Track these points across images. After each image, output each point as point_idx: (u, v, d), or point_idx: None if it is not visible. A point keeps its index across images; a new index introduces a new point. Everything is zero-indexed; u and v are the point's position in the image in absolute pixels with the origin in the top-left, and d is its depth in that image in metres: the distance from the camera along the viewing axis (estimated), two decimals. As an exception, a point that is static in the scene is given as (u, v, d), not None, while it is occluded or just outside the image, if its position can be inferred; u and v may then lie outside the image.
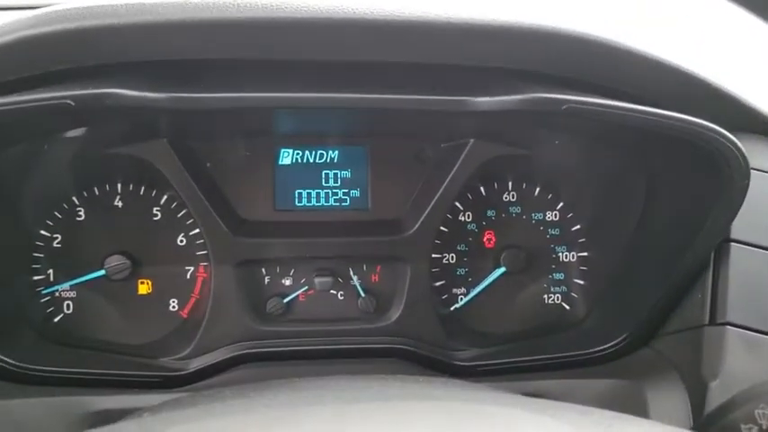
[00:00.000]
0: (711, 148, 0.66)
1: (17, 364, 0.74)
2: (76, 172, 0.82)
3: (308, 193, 0.86)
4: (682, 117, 0.65)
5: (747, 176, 0.66)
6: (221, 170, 0.83)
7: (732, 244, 0.72)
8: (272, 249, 0.83)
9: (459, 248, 0.89)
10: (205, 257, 0.85)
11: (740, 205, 0.68)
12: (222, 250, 0.81)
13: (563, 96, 0.65)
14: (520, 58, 0.69)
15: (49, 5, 0.66)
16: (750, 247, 0.72)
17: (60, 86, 0.65)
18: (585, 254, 0.90)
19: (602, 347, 0.80)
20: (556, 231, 0.90)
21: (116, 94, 0.63)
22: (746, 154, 0.66)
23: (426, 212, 0.82)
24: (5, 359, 0.74)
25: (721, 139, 0.65)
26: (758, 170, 0.71)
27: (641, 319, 0.78)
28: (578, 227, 0.89)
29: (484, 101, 0.67)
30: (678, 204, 0.75)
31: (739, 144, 0.65)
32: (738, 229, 0.72)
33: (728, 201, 0.69)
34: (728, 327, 0.69)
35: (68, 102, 0.61)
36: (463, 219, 0.89)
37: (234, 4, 0.64)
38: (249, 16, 0.64)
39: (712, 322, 0.71)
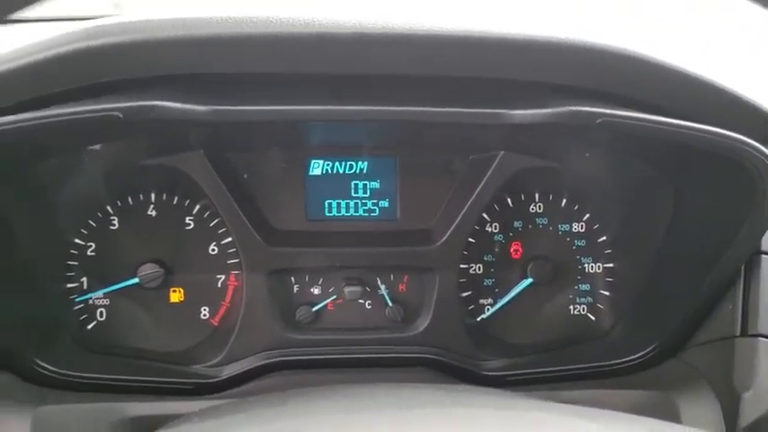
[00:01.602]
0: (744, 162, 0.67)
1: (54, 369, 0.76)
2: (111, 182, 0.84)
3: (338, 204, 0.87)
4: (715, 130, 0.66)
5: None
6: (254, 181, 0.85)
7: (763, 256, 0.73)
8: (302, 258, 0.84)
9: (486, 259, 0.90)
10: (236, 266, 0.86)
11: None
12: (255, 259, 0.82)
13: (598, 110, 0.66)
14: (552, 71, 0.70)
15: (97, 17, 0.68)
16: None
17: (104, 99, 0.67)
18: (611, 265, 0.90)
19: (629, 358, 0.81)
20: (582, 243, 0.90)
21: (162, 107, 0.64)
22: None
23: (455, 224, 0.83)
24: (43, 365, 0.75)
25: (755, 153, 0.66)
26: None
27: (669, 331, 0.79)
28: (604, 238, 0.90)
29: (518, 113, 0.69)
30: (708, 217, 0.76)
31: (764, 150, 0.66)
32: (768, 241, 0.73)
33: (760, 214, 0.69)
34: (761, 338, 0.70)
35: (117, 114, 0.62)
36: (490, 230, 0.90)
37: (276, 20, 0.66)
38: (290, 31, 0.66)
39: (744, 334, 0.71)
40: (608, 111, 0.66)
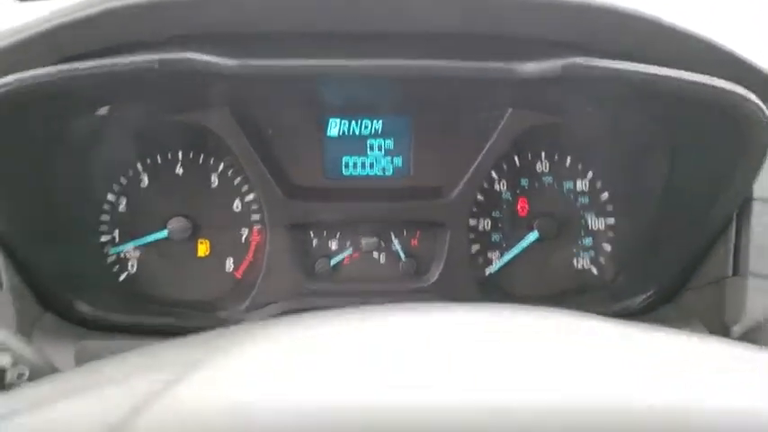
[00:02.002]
0: (735, 110, 0.71)
1: (91, 312, 0.82)
2: (141, 140, 0.89)
3: (354, 162, 0.92)
4: (708, 79, 0.71)
5: (765, 133, 0.72)
6: (276, 139, 0.90)
7: (754, 202, 0.77)
8: (321, 213, 0.90)
9: (494, 215, 0.95)
10: (259, 222, 0.91)
11: (762, 164, 0.74)
12: (277, 213, 0.88)
13: (602, 61, 0.71)
14: (561, 29, 0.75)
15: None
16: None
17: (137, 55, 0.72)
18: (613, 220, 0.95)
19: (628, 303, 0.86)
20: (585, 200, 0.95)
21: (193, 59, 0.70)
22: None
23: (465, 180, 0.89)
24: (82, 307, 0.81)
25: (745, 101, 0.71)
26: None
27: (666, 277, 0.84)
28: (607, 195, 0.95)
29: (527, 66, 0.74)
30: (702, 169, 0.81)
31: (762, 105, 0.71)
32: (760, 188, 0.78)
33: (751, 160, 0.74)
34: (750, 276, 0.75)
35: (154, 64, 0.68)
36: (498, 188, 0.95)
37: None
38: None
39: (735, 273, 0.76)
40: (611, 62, 0.71)
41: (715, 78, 0.71)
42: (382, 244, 0.93)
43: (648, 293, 0.85)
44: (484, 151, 0.87)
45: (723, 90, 0.71)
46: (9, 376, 0.47)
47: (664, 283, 0.84)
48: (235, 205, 0.92)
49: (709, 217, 0.79)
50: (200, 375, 0.35)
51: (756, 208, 0.77)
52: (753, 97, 0.71)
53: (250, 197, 0.91)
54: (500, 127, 0.86)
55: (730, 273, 0.77)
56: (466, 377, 0.34)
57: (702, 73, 0.73)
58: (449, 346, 0.37)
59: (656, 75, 0.71)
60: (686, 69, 0.74)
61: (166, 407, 0.34)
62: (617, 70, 0.72)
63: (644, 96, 0.79)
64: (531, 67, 0.74)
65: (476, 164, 0.88)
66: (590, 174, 0.95)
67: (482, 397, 0.33)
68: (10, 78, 0.69)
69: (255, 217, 0.92)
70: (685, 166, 0.83)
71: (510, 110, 0.86)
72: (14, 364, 0.48)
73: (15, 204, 0.77)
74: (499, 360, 0.36)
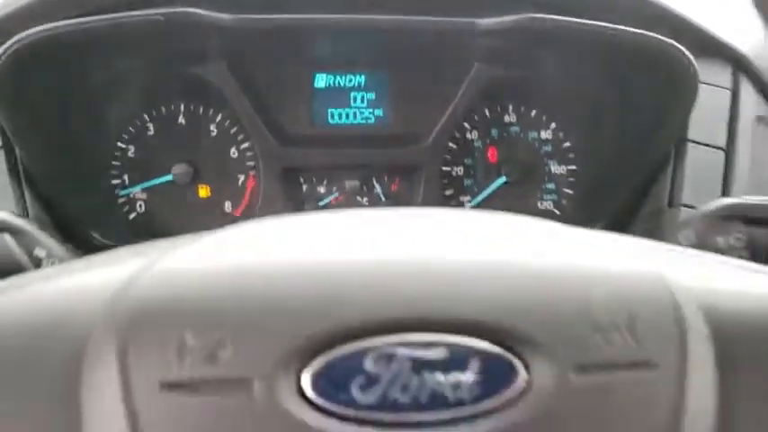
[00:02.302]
0: (668, 63, 0.82)
1: (108, 242, 0.92)
2: (147, 93, 1.00)
3: (339, 112, 1.03)
4: (643, 32, 0.81)
5: (696, 83, 0.82)
6: (269, 91, 1.00)
7: (689, 143, 0.88)
8: (309, 158, 1.00)
9: (466, 162, 1.06)
10: (253, 167, 1.02)
11: (692, 105, 0.84)
12: (270, 159, 0.98)
13: (551, 16, 0.82)
14: None
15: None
16: (701, 145, 0.88)
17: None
18: (574, 167, 1.06)
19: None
20: (549, 148, 1.06)
21: (195, 13, 0.80)
22: (698, 67, 0.83)
23: (437, 128, 0.99)
24: (98, 238, 0.92)
25: (677, 54, 0.81)
26: (707, 84, 0.88)
27: (615, 212, 0.95)
28: (568, 144, 1.05)
29: (485, 21, 0.84)
30: (644, 115, 0.91)
31: (691, 58, 0.81)
32: (693, 131, 0.88)
33: (683, 107, 0.85)
34: (683, 207, 0.85)
35: (159, 17, 0.78)
36: (470, 137, 1.05)
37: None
38: None
39: (670, 206, 0.87)
40: (558, 18, 0.82)
41: (650, 33, 0.82)
42: (365, 188, 1.04)
43: (599, 225, 0.96)
44: (454, 102, 0.98)
45: (657, 43, 0.81)
46: (44, 265, 0.58)
47: (613, 216, 0.95)
48: (232, 152, 1.02)
49: (651, 157, 0.90)
50: (187, 248, 0.43)
51: (690, 148, 0.87)
52: (683, 50, 0.81)
53: (245, 145, 1.02)
54: (467, 80, 0.96)
55: (666, 205, 0.87)
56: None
57: (642, 28, 0.83)
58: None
59: (597, 29, 0.82)
60: (628, 25, 0.84)
61: (160, 271, 0.39)
62: (564, 25, 0.82)
63: (592, 51, 0.89)
64: (488, 22, 0.84)
65: (446, 114, 0.98)
66: (553, 124, 1.06)
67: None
68: (32, 30, 0.79)
69: (250, 163, 1.02)
70: (631, 115, 0.94)
71: (476, 64, 0.96)
72: (49, 256, 0.58)
73: (38, 147, 0.88)
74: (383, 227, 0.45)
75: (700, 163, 0.87)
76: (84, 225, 0.92)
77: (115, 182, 1.01)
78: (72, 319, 0.38)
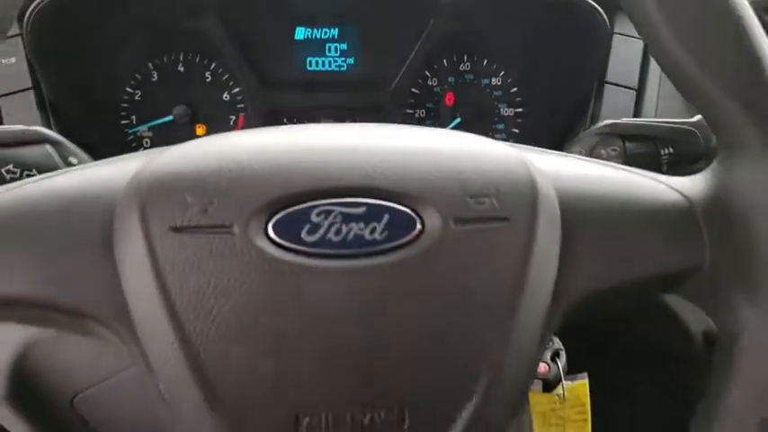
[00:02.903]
0: (588, 17, 0.98)
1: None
2: (152, 45, 1.16)
3: (317, 60, 1.19)
4: None
5: (608, 34, 0.99)
6: (256, 42, 1.16)
7: (606, 84, 1.05)
8: (290, 100, 1.16)
9: (427, 105, 1.22)
10: (243, 109, 1.18)
11: (607, 53, 1.01)
12: (256, 101, 1.15)
13: None
14: None
15: None
16: (617, 86, 1.05)
17: None
18: (520, 109, 1.22)
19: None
20: (499, 93, 1.22)
21: None
22: (615, 21, 0.99)
23: (400, 75, 1.16)
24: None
25: (593, 11, 0.98)
26: (622, 34, 1.05)
27: (549, 143, 1.11)
28: (515, 89, 1.22)
29: None
30: (571, 62, 1.08)
31: (602, 13, 0.98)
32: (611, 75, 1.05)
33: (599, 52, 1.02)
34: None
35: None
36: (430, 83, 1.22)
37: None
38: None
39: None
40: None
41: None
42: (340, 127, 1.20)
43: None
44: (413, 53, 1.14)
45: (578, 2, 0.98)
46: (79, 173, 0.75)
47: (548, 146, 1.12)
48: (224, 96, 1.19)
49: (576, 98, 1.07)
50: (184, 145, 0.59)
51: (607, 89, 1.04)
52: (597, 8, 0.97)
53: (236, 90, 1.18)
54: (425, 34, 1.13)
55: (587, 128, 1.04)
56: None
57: None
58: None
59: None
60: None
61: (167, 156, 0.53)
62: None
63: (529, 8, 1.05)
64: None
65: (407, 63, 1.15)
66: (502, 72, 1.22)
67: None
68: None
69: (240, 105, 1.19)
70: (561, 63, 1.11)
71: (432, 20, 1.12)
72: (80, 163, 0.75)
73: (61, 89, 1.04)
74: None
75: (614, 101, 1.04)
76: (99, 157, 1.08)
77: (124, 122, 1.18)
78: (103, 190, 0.54)
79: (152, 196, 0.52)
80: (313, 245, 0.52)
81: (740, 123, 0.55)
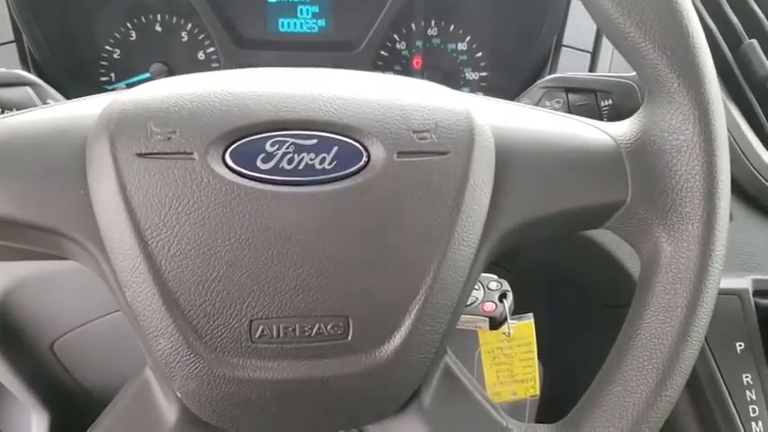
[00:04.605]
0: None
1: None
2: (130, 4, 1.20)
3: (288, 22, 1.23)
4: None
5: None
6: (230, 3, 1.21)
7: (563, 48, 1.11)
8: (263, 59, 1.21)
9: (395, 68, 1.27)
10: (217, 68, 1.23)
11: (565, 18, 1.07)
12: (230, 60, 1.20)
13: None
14: None
15: None
16: (573, 49, 1.10)
17: None
18: (485, 73, 1.28)
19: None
20: (464, 57, 1.27)
21: None
22: None
23: (368, 38, 1.21)
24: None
25: None
26: (577, -1, 1.10)
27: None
28: (480, 54, 1.27)
29: None
30: (531, 27, 1.14)
31: None
32: (568, 38, 1.11)
33: (556, 17, 1.08)
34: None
35: None
36: (399, 47, 1.26)
37: None
38: None
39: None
40: None
41: None
42: (311, 88, 1.25)
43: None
44: (381, 16, 1.19)
45: None
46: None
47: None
48: (199, 55, 1.23)
49: (537, 61, 1.13)
50: (151, 83, 0.64)
51: (564, 52, 1.10)
52: None
53: (210, 50, 1.23)
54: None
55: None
56: None
57: None
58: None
59: None
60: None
61: (134, 92, 0.58)
62: None
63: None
64: None
65: (375, 25, 1.20)
66: (468, 37, 1.27)
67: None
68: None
69: (215, 65, 1.23)
70: (522, 28, 1.16)
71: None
72: (59, 110, 0.80)
73: (43, 44, 1.09)
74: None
75: (571, 63, 1.10)
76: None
77: (104, 78, 1.22)
78: (76, 121, 0.59)
79: (120, 125, 0.58)
80: (267, 172, 0.58)
81: (660, 68, 0.61)
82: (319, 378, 0.58)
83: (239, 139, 0.58)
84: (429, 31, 1.27)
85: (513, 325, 0.87)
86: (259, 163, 0.58)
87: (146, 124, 0.57)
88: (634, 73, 0.90)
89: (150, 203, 0.56)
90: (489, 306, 0.86)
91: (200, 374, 0.57)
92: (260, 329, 0.57)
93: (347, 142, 0.59)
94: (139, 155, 0.57)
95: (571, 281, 1.02)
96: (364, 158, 0.58)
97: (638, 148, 0.63)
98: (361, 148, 0.58)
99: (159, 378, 0.60)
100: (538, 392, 0.91)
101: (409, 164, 0.59)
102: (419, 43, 1.27)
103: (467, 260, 0.60)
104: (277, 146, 0.58)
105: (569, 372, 1.15)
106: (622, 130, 0.65)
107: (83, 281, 0.93)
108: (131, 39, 1.21)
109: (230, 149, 0.58)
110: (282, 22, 1.23)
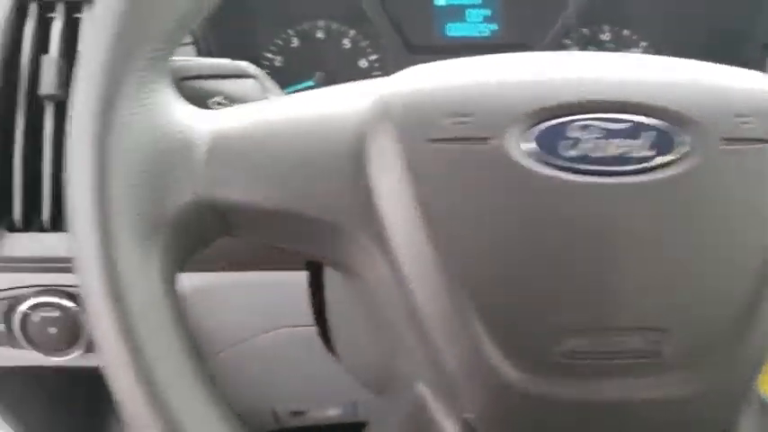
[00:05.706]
0: None
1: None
2: (292, 11, 1.16)
3: (457, 26, 1.17)
4: None
5: None
6: (397, 7, 1.15)
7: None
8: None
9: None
10: (380, 76, 1.17)
11: None
12: (400, 66, 1.13)
13: None
14: None
15: None
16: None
17: None
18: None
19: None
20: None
21: None
22: None
23: (543, 43, 1.14)
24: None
25: None
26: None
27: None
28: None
29: None
30: (730, 24, 1.05)
31: None
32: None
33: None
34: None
35: None
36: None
37: None
38: None
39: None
40: None
41: None
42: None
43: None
44: (559, 20, 1.12)
45: None
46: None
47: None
48: (361, 63, 1.18)
49: (740, 62, 1.04)
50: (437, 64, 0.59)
51: None
52: None
53: (373, 57, 1.17)
54: (570, 3, 1.11)
55: None
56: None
57: None
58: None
59: None
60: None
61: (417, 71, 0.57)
62: None
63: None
64: None
65: (551, 31, 1.13)
66: (644, 43, 1.19)
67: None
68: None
69: (377, 73, 1.18)
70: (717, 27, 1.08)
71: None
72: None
73: (213, 45, 1.05)
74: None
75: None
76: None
77: (265, 86, 1.18)
78: (345, 110, 0.54)
79: (408, 112, 0.51)
80: (573, 160, 0.50)
81: None
82: (630, 401, 0.50)
83: (541, 122, 0.51)
84: (601, 36, 1.19)
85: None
86: (562, 150, 0.50)
87: (437, 108, 0.51)
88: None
89: (443, 194, 0.50)
90: None
91: (494, 390, 0.50)
92: (569, 343, 0.49)
93: (664, 127, 0.51)
94: (431, 140, 0.50)
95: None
96: (685, 145, 0.50)
97: None
98: (681, 132, 0.51)
99: (439, 395, 0.53)
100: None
101: (734, 152, 0.51)
102: (592, 48, 1.19)
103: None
104: (584, 130, 0.50)
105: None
106: None
107: (241, 297, 0.88)
108: (293, 45, 1.17)
109: (531, 134, 0.51)
110: (450, 27, 1.17)
